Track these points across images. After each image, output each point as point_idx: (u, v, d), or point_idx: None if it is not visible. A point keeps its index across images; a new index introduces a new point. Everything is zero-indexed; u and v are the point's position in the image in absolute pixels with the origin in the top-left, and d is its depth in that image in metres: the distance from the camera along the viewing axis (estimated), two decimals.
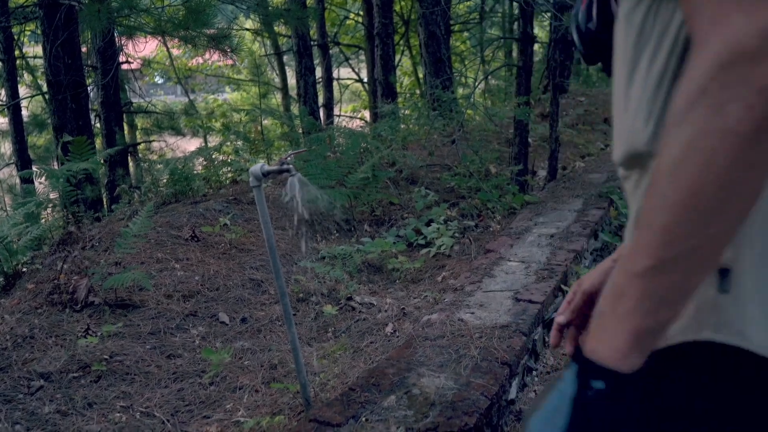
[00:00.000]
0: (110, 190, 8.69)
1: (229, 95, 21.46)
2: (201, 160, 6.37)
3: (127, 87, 15.00)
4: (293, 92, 14.20)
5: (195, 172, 6.06)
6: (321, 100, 15.96)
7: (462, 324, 3.37)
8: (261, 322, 3.83)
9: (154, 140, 14.84)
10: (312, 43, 15.37)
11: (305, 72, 11.53)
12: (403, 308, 3.91)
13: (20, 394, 3.08)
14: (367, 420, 2.58)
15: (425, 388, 2.78)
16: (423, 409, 2.63)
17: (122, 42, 5.57)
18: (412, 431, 2.52)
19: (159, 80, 21.95)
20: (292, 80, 15.38)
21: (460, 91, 16.14)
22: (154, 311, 3.82)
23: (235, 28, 10.52)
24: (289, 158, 2.66)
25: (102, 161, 9.53)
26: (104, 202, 7.93)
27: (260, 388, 3.15)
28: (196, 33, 4.55)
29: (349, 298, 4.06)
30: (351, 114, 18.31)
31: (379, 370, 2.97)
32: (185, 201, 5.57)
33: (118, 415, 2.93)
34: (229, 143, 7.85)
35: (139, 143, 12.03)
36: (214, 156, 6.49)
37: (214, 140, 12.83)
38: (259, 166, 2.64)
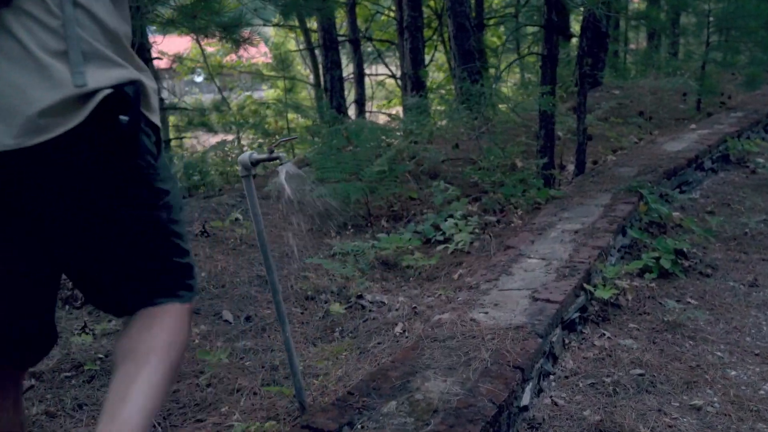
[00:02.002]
0: None
1: (266, 93, 21.34)
2: (215, 154, 6.23)
3: (161, 84, 14.98)
4: None
5: (211, 166, 5.93)
6: (353, 96, 15.79)
7: (474, 324, 3.18)
8: (266, 320, 3.67)
9: (187, 137, 14.79)
10: (342, 38, 15.22)
11: (331, 66, 11.39)
12: (415, 307, 3.72)
13: None
14: (363, 427, 2.40)
15: (429, 393, 2.60)
16: (424, 416, 2.44)
17: (142, 35, 5.43)
18: None
19: (198, 79, 21.88)
20: None
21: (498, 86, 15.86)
22: None
23: (261, 22, 10.42)
24: (278, 146, 2.48)
25: None
26: None
27: (259, 390, 2.98)
28: (206, 21, 4.41)
29: (360, 296, 3.88)
30: (384, 110, 18.09)
31: (381, 372, 2.79)
32: (198, 195, 5.43)
33: None
34: (248, 137, 7.68)
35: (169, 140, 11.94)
36: (228, 149, 6.36)
37: (247, 137, 12.74)
38: (247, 154, 2.46)
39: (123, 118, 1.48)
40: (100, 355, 3.22)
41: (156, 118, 1.72)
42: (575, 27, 12.04)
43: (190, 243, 1.95)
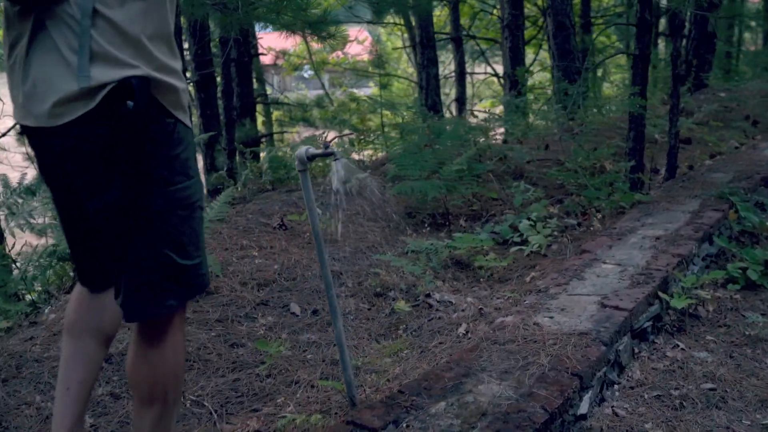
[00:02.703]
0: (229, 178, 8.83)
1: (372, 90, 21.44)
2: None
3: (265, 79, 15.33)
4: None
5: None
6: (454, 94, 15.72)
7: (537, 328, 3.11)
8: None
9: (293, 131, 15.06)
10: (445, 36, 15.18)
11: (427, 64, 11.39)
12: (481, 308, 3.67)
13: None
14: (408, 426, 2.39)
15: (480, 396, 2.56)
16: (471, 419, 2.40)
17: (232, 33, 5.55)
18: None
19: (306, 74, 22.22)
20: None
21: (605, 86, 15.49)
22: (226, 298, 3.76)
23: (355, 20, 10.50)
24: (334, 141, 2.50)
25: (222, 148, 9.76)
26: None
27: (316, 383, 3.01)
28: (291, 18, 4.47)
29: (428, 295, 3.86)
30: (487, 109, 17.93)
31: (435, 372, 2.77)
32: (281, 189, 5.52)
33: None
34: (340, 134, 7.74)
35: (264, 135, 12.20)
36: (316, 144, 6.44)
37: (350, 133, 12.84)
38: (304, 149, 2.49)
39: (129, 103, 1.73)
40: None
41: (184, 117, 1.92)
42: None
43: (203, 250, 1.99)
